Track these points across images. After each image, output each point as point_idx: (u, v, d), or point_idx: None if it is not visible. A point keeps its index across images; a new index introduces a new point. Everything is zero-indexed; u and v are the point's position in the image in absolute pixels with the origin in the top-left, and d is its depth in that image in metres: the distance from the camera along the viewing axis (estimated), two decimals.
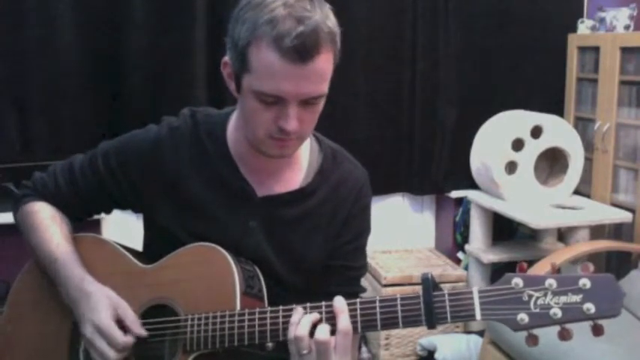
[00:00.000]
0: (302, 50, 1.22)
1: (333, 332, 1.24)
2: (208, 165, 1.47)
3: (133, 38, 3.11)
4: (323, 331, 1.23)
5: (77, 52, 3.08)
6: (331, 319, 1.26)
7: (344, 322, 1.24)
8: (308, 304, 1.28)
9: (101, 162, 1.52)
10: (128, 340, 1.35)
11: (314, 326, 1.25)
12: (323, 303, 1.27)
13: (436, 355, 3.24)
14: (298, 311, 1.27)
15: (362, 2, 3.39)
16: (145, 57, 3.14)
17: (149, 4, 3.10)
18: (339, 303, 1.25)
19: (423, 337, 3.35)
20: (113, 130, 3.00)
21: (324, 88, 1.31)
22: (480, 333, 3.20)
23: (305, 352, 1.23)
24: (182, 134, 1.48)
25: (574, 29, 3.68)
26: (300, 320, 1.25)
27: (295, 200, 1.49)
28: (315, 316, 1.26)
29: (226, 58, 1.36)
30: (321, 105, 1.35)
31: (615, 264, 3.34)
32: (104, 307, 1.37)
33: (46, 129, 3.10)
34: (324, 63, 1.28)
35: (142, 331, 1.38)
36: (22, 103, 3.06)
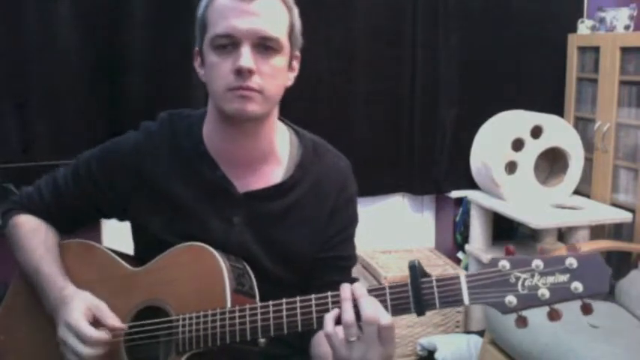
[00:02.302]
0: None
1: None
2: (188, 165, 1.48)
3: (133, 38, 3.11)
4: (371, 307, 1.19)
5: (77, 52, 3.08)
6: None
7: (381, 315, 1.19)
8: (329, 293, 1.26)
9: (83, 171, 1.54)
10: (101, 335, 1.34)
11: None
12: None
13: (436, 355, 3.23)
14: (333, 312, 1.23)
15: (362, 2, 3.39)
16: (144, 57, 3.14)
17: (149, 4, 3.11)
18: (373, 307, 1.20)
19: (423, 337, 3.34)
20: (113, 130, 3.00)
21: (277, 32, 1.36)
22: (480, 333, 3.20)
23: (353, 338, 1.20)
24: (160, 137, 1.49)
25: (574, 29, 3.68)
26: (344, 306, 1.21)
27: (277, 195, 1.49)
28: (350, 301, 1.22)
29: (195, 48, 1.44)
30: (278, 61, 1.38)
31: (615, 264, 3.33)
32: (76, 307, 1.37)
33: (46, 129, 3.09)
34: (275, 8, 1.37)
35: (119, 324, 1.37)
36: (22, 103, 3.06)
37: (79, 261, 1.53)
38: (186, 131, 1.49)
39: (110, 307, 1.40)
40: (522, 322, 1.14)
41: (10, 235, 1.58)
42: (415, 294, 1.19)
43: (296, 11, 1.43)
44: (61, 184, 1.57)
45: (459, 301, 1.17)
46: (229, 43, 1.34)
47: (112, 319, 1.37)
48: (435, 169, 3.67)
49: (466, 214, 3.71)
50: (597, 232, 3.36)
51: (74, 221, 1.62)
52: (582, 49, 3.62)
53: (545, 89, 3.73)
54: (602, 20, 3.56)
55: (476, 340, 3.24)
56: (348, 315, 1.19)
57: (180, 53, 3.14)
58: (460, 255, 3.80)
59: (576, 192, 3.54)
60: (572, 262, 1.09)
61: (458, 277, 1.18)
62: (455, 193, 3.73)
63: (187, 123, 1.50)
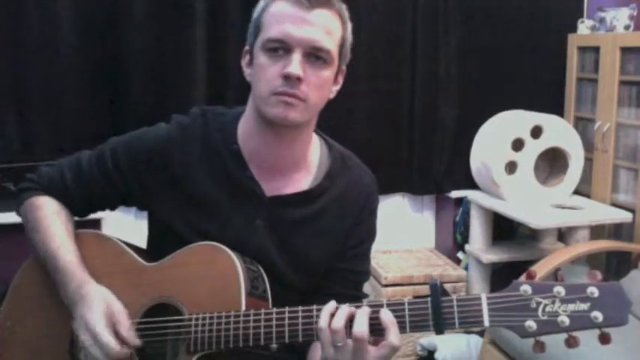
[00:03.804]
0: None
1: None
2: (217, 163, 1.48)
3: (133, 38, 3.10)
4: (361, 327, 1.22)
5: (77, 52, 3.07)
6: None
7: (396, 335, 1.22)
8: (348, 304, 1.26)
9: (109, 158, 1.52)
10: (122, 350, 1.33)
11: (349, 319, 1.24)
12: (365, 302, 1.26)
13: (436, 355, 3.24)
14: (332, 302, 1.26)
15: (362, 2, 3.39)
16: (145, 57, 3.13)
17: (149, 5, 3.10)
18: (388, 316, 1.23)
19: (423, 337, 3.35)
20: (113, 130, 2.99)
21: (329, 44, 1.37)
22: (480, 333, 3.20)
23: (340, 344, 1.22)
24: (192, 132, 1.49)
25: (574, 29, 3.68)
26: (337, 311, 1.24)
27: (302, 202, 1.50)
28: (351, 309, 1.24)
29: (246, 47, 1.45)
30: (326, 72, 1.39)
31: (615, 264, 3.35)
32: (99, 312, 1.35)
33: (46, 129, 3.09)
34: (329, 18, 1.37)
35: (137, 342, 1.36)
36: (22, 103, 3.05)
37: (92, 253, 1.51)
38: (219, 129, 1.49)
39: (122, 301, 1.39)
40: (540, 347, 1.16)
41: (27, 215, 1.56)
42: (435, 312, 1.20)
43: (350, 26, 1.44)
44: (84, 168, 1.55)
45: (479, 323, 1.18)
46: (281, 48, 1.35)
47: (131, 337, 1.36)
48: (435, 169, 3.67)
49: (466, 214, 3.72)
50: (597, 232, 3.37)
51: (93, 206, 1.61)
52: (582, 49, 3.62)
53: (545, 89, 3.73)
54: (602, 20, 3.56)
55: (476, 340, 3.24)
56: (337, 322, 1.22)
57: (180, 53, 3.14)
58: (460, 255, 3.81)
59: (576, 192, 3.54)
60: (593, 290, 1.10)
61: (479, 299, 1.18)
62: (455, 193, 3.74)
63: (221, 121, 1.51)
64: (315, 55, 1.36)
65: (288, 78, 1.34)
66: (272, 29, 1.35)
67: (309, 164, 1.52)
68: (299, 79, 1.34)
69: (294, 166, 1.50)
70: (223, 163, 1.48)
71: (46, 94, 3.07)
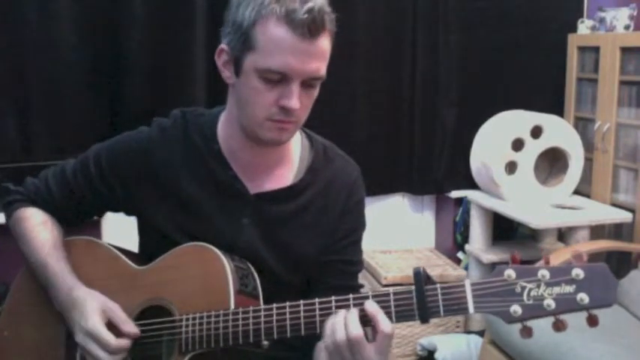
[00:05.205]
0: (312, 26, 1.27)
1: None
2: (200, 163, 1.47)
3: (133, 38, 3.11)
4: (355, 329, 1.20)
5: (77, 52, 3.07)
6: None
7: (384, 322, 1.21)
8: (333, 298, 1.26)
9: (92, 165, 1.52)
10: (121, 342, 1.34)
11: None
12: (350, 296, 1.25)
13: (436, 355, 3.24)
14: (339, 313, 1.24)
15: (362, 2, 3.40)
16: (145, 57, 3.13)
17: (149, 4, 3.10)
18: (373, 306, 1.22)
19: (423, 337, 3.35)
20: (113, 130, 2.98)
21: (324, 70, 1.35)
22: (480, 333, 3.20)
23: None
24: (173, 134, 1.49)
25: (574, 29, 3.68)
26: (346, 319, 1.22)
27: (287, 197, 1.49)
28: (356, 311, 1.23)
29: (222, 45, 1.38)
30: (316, 91, 1.38)
31: (615, 264, 3.33)
32: (93, 311, 1.37)
33: (46, 129, 3.09)
34: (326, 44, 1.34)
35: (135, 330, 1.37)
36: (22, 103, 3.05)
37: (83, 258, 1.53)
38: (200, 129, 1.49)
39: None
40: (527, 332, 1.14)
41: (16, 227, 1.57)
42: (419, 301, 1.20)
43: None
44: (69, 177, 1.55)
45: (463, 310, 1.17)
46: (280, 78, 1.31)
47: (127, 325, 1.37)
48: (435, 169, 3.67)
49: (466, 214, 3.71)
50: (597, 232, 3.36)
51: (80, 214, 1.61)
52: (582, 49, 3.62)
53: (545, 89, 3.73)
54: (602, 20, 3.55)
55: (476, 340, 3.24)
56: (340, 335, 1.21)
57: (180, 53, 3.14)
58: (460, 255, 3.80)
59: (576, 192, 3.53)
60: (578, 272, 1.09)
61: (463, 286, 1.17)
62: (455, 193, 3.74)
63: (202, 121, 1.50)
64: (311, 80, 1.34)
65: (285, 109, 1.32)
66: (273, 59, 1.29)
67: (291, 159, 1.52)
68: (296, 109, 1.33)
69: (276, 163, 1.50)
70: (205, 163, 1.47)
71: (46, 94, 3.07)
